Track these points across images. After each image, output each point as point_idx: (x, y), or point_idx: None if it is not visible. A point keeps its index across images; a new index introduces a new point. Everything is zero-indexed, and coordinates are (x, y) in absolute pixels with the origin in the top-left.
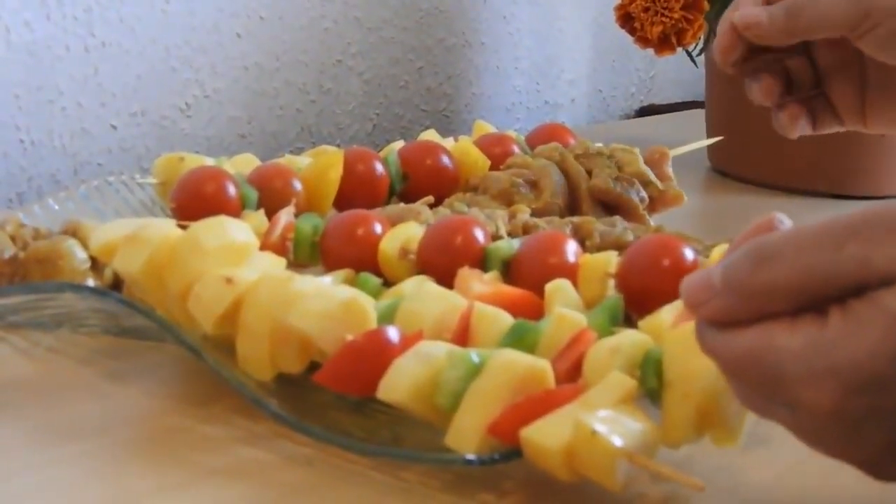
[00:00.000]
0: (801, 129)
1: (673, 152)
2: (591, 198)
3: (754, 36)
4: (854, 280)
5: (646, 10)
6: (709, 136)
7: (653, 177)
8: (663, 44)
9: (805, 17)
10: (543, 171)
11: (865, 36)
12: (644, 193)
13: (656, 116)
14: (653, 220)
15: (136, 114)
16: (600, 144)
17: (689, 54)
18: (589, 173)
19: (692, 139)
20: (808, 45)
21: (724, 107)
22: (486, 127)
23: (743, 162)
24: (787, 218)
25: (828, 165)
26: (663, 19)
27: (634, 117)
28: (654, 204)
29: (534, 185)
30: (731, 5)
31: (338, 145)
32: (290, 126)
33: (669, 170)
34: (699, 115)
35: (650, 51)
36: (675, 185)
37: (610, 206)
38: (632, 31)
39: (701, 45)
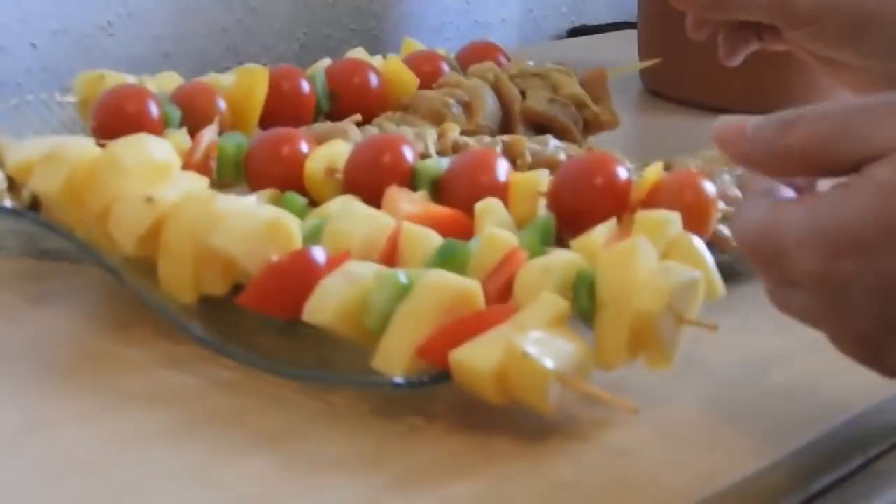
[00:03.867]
0: (743, 56)
1: (613, 72)
2: (524, 120)
3: (689, 7)
4: (855, 157)
5: None
6: (642, 56)
7: (588, 99)
8: None
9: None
10: (476, 92)
11: (795, 29)
12: (579, 116)
13: (588, 37)
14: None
15: (56, 32)
16: (532, 63)
17: None
18: (523, 94)
19: (624, 59)
20: None
21: (657, 27)
22: (415, 45)
23: (677, 82)
24: None
25: (762, 85)
26: None
27: (566, 38)
28: (589, 127)
29: (466, 105)
30: None
31: (264, 65)
32: (216, 45)
33: (607, 91)
34: (631, 35)
35: None
36: (613, 106)
37: (543, 128)
38: None
39: None
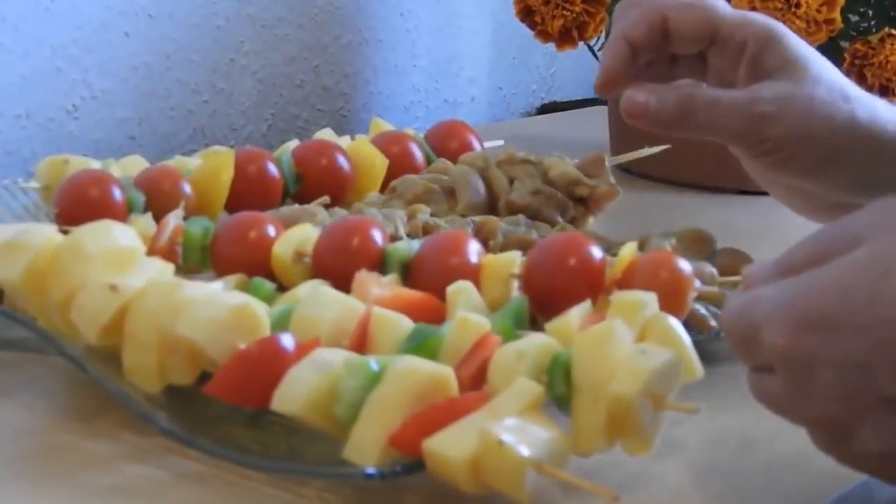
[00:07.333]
0: None
1: (613, 160)
2: (508, 212)
3: (640, 124)
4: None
5: (546, 3)
6: (611, 132)
7: (582, 177)
8: (564, 38)
9: (699, 120)
10: (462, 181)
11: (759, 157)
12: (568, 203)
13: (558, 114)
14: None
15: (20, 116)
16: (522, 154)
17: (591, 48)
18: (512, 181)
19: (595, 136)
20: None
21: None
22: (383, 125)
23: (648, 159)
24: None
25: (734, 162)
26: (564, 12)
27: (535, 115)
28: (588, 204)
29: (449, 192)
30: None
31: (232, 146)
32: (182, 127)
33: (605, 168)
34: (601, 111)
35: (550, 47)
36: (610, 181)
37: (529, 219)
38: (532, 26)
39: (602, 39)
